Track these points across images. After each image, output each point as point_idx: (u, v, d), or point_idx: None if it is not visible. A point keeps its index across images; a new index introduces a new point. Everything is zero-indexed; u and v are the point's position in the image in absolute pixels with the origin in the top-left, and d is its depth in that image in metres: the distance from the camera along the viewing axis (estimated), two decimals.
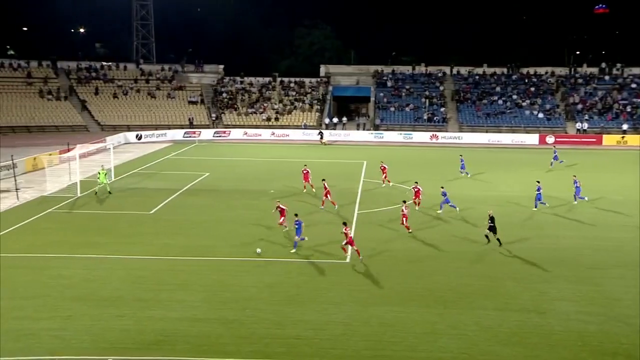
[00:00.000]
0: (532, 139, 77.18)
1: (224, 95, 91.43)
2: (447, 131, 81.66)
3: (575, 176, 42.45)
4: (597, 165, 59.55)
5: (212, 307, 23.15)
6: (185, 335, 20.85)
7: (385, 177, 46.14)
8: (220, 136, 79.49)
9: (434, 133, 79.39)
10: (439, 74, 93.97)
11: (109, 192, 42.51)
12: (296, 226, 30.23)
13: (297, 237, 30.17)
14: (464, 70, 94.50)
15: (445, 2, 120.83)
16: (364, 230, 33.91)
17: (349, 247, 29.01)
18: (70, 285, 25.23)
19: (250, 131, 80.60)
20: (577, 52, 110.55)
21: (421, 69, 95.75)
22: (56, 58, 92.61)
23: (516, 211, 38.97)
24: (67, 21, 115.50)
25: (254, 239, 31.79)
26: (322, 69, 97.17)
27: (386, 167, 46.64)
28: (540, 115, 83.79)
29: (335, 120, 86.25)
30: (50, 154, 52.65)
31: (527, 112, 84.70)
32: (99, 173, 42.57)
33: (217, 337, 20.73)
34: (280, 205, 32.99)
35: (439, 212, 37.91)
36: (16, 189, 41.83)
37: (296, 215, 30.81)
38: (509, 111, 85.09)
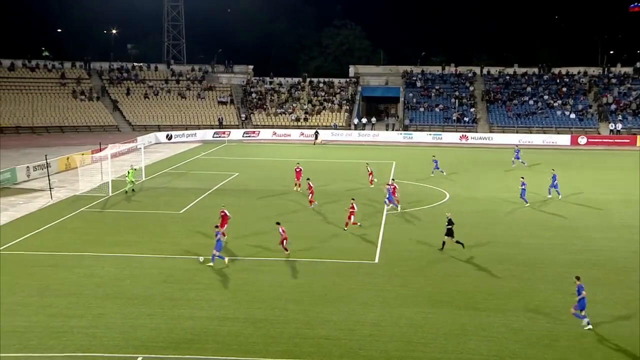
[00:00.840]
0: (564, 139, 76.20)
1: (254, 95, 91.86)
2: (477, 132, 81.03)
3: (553, 170, 43.73)
4: (631, 165, 58.46)
5: (241, 307, 23.25)
6: (215, 334, 20.97)
7: (371, 179, 45.61)
8: (249, 136, 79.87)
9: (464, 134, 78.80)
10: (469, 74, 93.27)
11: (132, 190, 43.12)
12: (216, 237, 27.97)
13: (215, 251, 27.54)
14: (494, 71, 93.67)
15: (475, 2, 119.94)
16: (393, 230, 33.79)
17: (285, 243, 28.82)
18: (102, 283, 25.54)
19: (279, 131, 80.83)
20: (611, 52, 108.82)
21: (451, 69, 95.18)
22: (89, 59, 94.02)
23: (546, 213, 38.55)
24: (100, 23, 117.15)
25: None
26: (351, 69, 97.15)
27: (372, 170, 46.28)
28: (572, 115, 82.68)
29: (364, 120, 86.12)
30: (82, 154, 53.38)
31: (559, 112, 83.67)
32: (128, 172, 43.20)
33: (246, 337, 20.81)
34: (225, 212, 31.86)
35: (393, 208, 38.33)
36: (50, 188, 42.49)
37: (216, 227, 29.10)
38: (540, 111, 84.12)
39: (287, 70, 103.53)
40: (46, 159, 47.28)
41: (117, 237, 32.43)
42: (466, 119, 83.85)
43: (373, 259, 29.06)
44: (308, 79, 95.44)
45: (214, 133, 78.64)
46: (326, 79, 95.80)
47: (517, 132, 79.65)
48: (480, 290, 25.17)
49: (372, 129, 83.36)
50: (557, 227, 35.25)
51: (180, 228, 34.29)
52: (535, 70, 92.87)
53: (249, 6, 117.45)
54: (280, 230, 28.92)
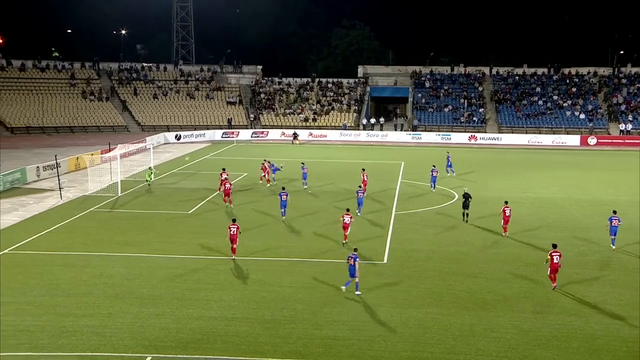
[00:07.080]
0: (574, 140, 75.93)
1: (262, 95, 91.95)
2: (485, 132, 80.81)
3: (448, 152, 51.02)
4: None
5: (249, 307, 23.25)
6: (223, 334, 20.99)
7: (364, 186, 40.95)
8: (258, 136, 79.96)
9: (473, 134, 78.60)
10: (478, 75, 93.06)
11: (148, 185, 45.83)
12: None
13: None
14: (503, 71, 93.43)
15: (485, 2, 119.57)
16: (402, 231, 33.75)
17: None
18: (111, 283, 25.61)
19: (287, 131, 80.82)
20: (621, 52, 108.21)
21: (460, 69, 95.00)
22: (98, 59, 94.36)
23: (556, 214, 38.43)
24: (109, 23, 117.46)
25: (291, 239, 31.96)
26: (360, 70, 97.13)
27: (366, 179, 41.98)
28: (582, 116, 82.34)
29: (372, 121, 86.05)
30: (92, 154, 53.52)
31: (568, 112, 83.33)
32: (149, 169, 46.39)
33: (255, 337, 20.81)
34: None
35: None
36: (59, 188, 42.67)
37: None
38: (549, 112, 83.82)
39: (295, 70, 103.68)
40: (56, 159, 47.47)
41: (126, 237, 32.53)
42: (475, 119, 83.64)
43: (382, 259, 29.03)
44: (317, 79, 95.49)
45: (223, 133, 78.79)
46: (335, 79, 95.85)
47: (526, 133, 79.47)
48: (488, 290, 25.10)
49: (380, 130, 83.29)
50: (565, 227, 35.11)
51: (188, 228, 34.34)
52: (545, 70, 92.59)
53: (258, 7, 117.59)
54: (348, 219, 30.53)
